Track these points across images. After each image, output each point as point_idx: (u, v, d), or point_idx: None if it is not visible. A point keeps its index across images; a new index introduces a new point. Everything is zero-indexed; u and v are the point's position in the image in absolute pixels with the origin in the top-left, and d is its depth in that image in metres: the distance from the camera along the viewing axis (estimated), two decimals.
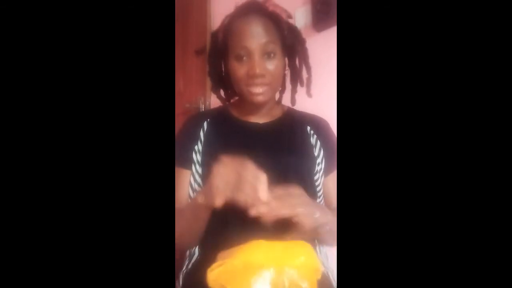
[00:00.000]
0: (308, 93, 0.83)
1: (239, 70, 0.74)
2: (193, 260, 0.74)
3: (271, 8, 0.74)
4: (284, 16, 0.76)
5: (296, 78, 0.84)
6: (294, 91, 0.86)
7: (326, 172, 0.82)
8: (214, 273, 0.54)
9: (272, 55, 0.74)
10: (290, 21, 0.79)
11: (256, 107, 0.81)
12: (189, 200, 0.77)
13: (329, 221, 0.61)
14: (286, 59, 0.82)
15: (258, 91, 0.74)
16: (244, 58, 0.73)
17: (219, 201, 0.54)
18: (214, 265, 0.55)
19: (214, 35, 0.81)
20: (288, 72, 0.85)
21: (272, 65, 0.74)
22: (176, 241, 0.51)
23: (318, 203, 0.79)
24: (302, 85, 0.84)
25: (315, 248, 0.72)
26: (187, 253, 0.77)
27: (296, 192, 0.60)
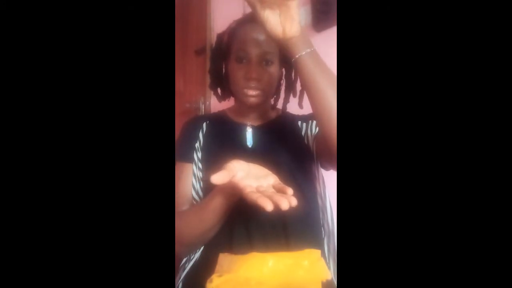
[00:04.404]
0: (300, 105, 0.89)
1: (238, 71, 0.80)
2: (192, 261, 0.74)
3: None
4: None
5: (290, 89, 0.91)
6: (286, 100, 0.93)
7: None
8: (213, 285, 0.53)
9: (270, 63, 0.80)
10: None
11: (250, 110, 0.87)
12: (194, 196, 0.78)
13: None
14: (283, 70, 0.89)
15: (252, 94, 0.80)
16: (244, 61, 0.79)
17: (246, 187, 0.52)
18: (213, 276, 0.54)
19: (220, 36, 0.87)
20: (283, 82, 0.92)
21: (268, 72, 0.80)
22: (177, 243, 0.51)
23: None
24: (295, 96, 0.92)
25: (322, 250, 0.72)
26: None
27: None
